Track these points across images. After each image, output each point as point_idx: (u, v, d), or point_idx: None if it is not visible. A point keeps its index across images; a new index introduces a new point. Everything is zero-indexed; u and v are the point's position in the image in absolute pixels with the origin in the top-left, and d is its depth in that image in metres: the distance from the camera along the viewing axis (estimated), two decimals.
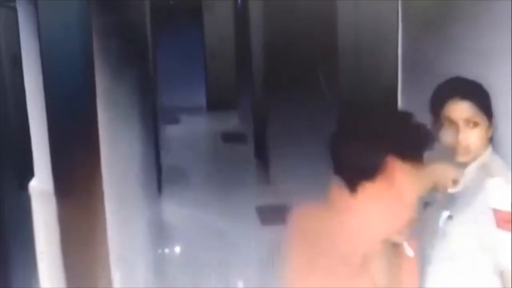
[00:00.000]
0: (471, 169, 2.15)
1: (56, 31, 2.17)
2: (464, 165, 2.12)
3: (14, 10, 2.05)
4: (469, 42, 2.49)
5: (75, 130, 2.12)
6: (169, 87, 9.58)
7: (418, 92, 3.02)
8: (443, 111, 2.14)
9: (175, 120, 10.06)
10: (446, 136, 2.12)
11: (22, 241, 1.88)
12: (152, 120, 6.39)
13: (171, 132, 9.15)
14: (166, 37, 10.18)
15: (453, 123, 2.10)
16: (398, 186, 1.90)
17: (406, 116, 2.03)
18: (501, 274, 2.24)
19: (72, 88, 2.20)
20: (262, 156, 7.69)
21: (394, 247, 2.07)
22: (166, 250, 5.55)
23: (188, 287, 4.76)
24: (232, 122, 9.76)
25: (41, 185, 2.05)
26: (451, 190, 2.12)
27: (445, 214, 2.16)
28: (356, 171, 1.93)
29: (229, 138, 9.19)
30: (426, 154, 1.97)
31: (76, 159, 2.11)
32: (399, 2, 3.17)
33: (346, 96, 4.24)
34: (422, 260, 2.20)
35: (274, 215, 5.71)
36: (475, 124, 2.10)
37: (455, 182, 2.09)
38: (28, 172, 1.94)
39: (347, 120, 2.12)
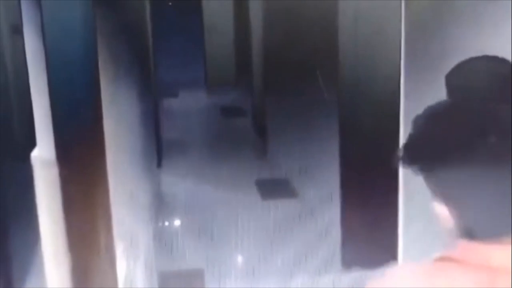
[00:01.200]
0: None
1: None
2: None
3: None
4: (471, 41, 2.48)
5: (77, 100, 2.11)
6: (167, 61, 9.56)
7: (420, 94, 3.02)
8: None
9: (174, 95, 10.05)
10: None
11: (24, 211, 1.89)
12: (152, 94, 6.39)
13: (170, 106, 9.15)
14: (164, 11, 10.12)
15: None
16: None
17: None
18: None
19: (75, 57, 2.19)
20: (260, 130, 7.71)
21: None
22: (166, 223, 5.57)
23: (188, 259, 4.79)
24: (230, 96, 9.76)
25: (43, 155, 2.05)
26: None
27: None
28: None
29: (228, 112, 9.20)
30: None
31: (78, 128, 2.11)
32: (402, 2, 3.15)
33: (346, 93, 4.24)
34: None
35: (273, 189, 5.74)
36: None
37: None
38: (30, 142, 1.94)
39: None
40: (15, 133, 1.76)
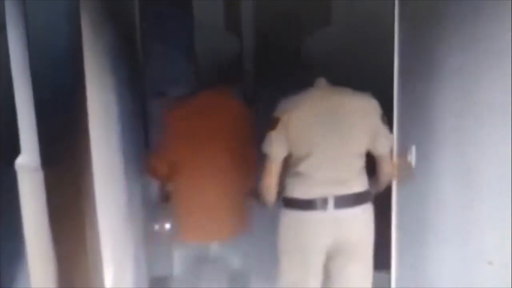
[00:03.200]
0: None
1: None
2: None
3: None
4: (469, 40, 2.46)
5: (62, 104, 2.04)
6: (157, 59, 9.47)
7: (414, 86, 3.00)
8: None
9: (163, 93, 9.97)
10: None
11: (8, 218, 1.82)
12: (140, 93, 6.32)
13: (159, 105, 9.06)
14: (155, 11, 10.03)
15: None
16: None
17: None
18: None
19: (59, 60, 2.12)
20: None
21: None
22: (156, 226, 5.50)
23: (178, 263, 4.73)
24: None
25: (28, 162, 1.98)
26: None
27: None
28: None
29: None
30: None
31: (64, 133, 2.04)
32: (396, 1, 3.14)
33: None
34: None
35: None
36: None
37: None
38: (14, 149, 1.87)
39: None
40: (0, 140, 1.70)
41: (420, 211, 2.98)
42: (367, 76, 3.94)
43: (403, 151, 3.11)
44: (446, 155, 2.67)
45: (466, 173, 2.51)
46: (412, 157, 3.01)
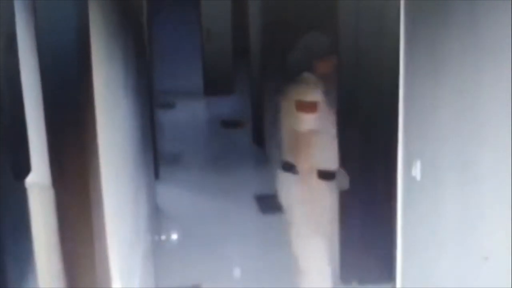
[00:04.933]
0: None
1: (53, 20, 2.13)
2: None
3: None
4: (470, 36, 2.48)
5: (72, 121, 2.08)
6: (165, 71, 9.53)
7: (419, 80, 3.01)
8: None
9: (171, 105, 10.02)
10: None
11: (19, 236, 1.85)
12: (149, 105, 6.36)
13: (168, 117, 9.12)
14: (162, 21, 10.10)
15: None
16: None
17: None
18: None
19: (69, 77, 2.16)
20: (260, 141, 7.66)
21: None
22: (163, 236, 5.53)
23: (186, 274, 4.75)
24: (229, 107, 9.72)
25: (38, 180, 2.02)
26: None
27: None
28: None
29: (226, 123, 9.16)
30: None
31: (73, 150, 2.07)
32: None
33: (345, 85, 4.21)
34: None
35: (274, 202, 5.66)
36: None
37: None
38: (25, 167, 1.91)
39: None
40: (11, 158, 1.73)
41: (420, 212, 2.99)
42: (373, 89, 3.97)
43: (407, 164, 3.14)
44: (447, 160, 2.68)
45: (464, 170, 2.51)
46: (416, 172, 3.03)
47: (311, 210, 3.81)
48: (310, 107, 3.59)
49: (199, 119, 9.78)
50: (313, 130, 3.62)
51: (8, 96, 1.88)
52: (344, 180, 3.93)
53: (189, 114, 9.90)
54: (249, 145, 6.98)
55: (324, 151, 3.74)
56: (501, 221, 2.23)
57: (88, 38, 2.34)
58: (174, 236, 5.50)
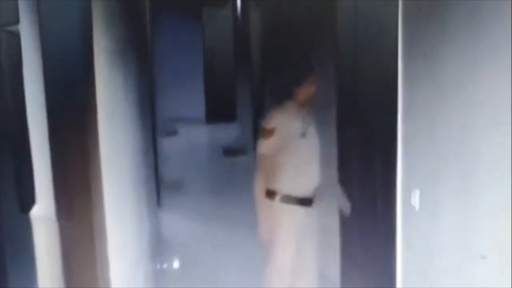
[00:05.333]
0: None
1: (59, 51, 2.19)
2: None
3: (17, 36, 2.05)
4: (469, 36, 2.50)
5: (76, 154, 2.12)
6: (168, 99, 9.60)
7: (418, 82, 3.03)
8: None
9: (173, 132, 10.07)
10: None
11: (23, 267, 1.88)
12: (151, 132, 6.41)
13: (170, 144, 9.17)
14: (165, 50, 10.20)
15: None
16: None
17: None
18: None
19: (73, 107, 2.21)
20: None
21: None
22: (165, 264, 5.54)
23: None
24: (231, 134, 9.76)
25: (43, 212, 2.05)
26: None
27: None
28: None
29: (229, 150, 9.20)
30: None
31: (78, 183, 2.12)
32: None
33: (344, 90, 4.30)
34: None
35: None
36: None
37: None
38: (30, 200, 1.95)
39: None
40: (16, 190, 1.77)
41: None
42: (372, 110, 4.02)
43: (406, 193, 3.16)
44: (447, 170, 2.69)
45: (462, 168, 2.52)
46: (415, 201, 3.05)
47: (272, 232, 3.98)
48: (267, 132, 3.89)
49: (201, 146, 9.82)
50: (267, 155, 3.89)
51: (14, 133, 1.93)
52: (344, 205, 4.07)
53: (191, 141, 9.94)
54: (252, 172, 6.97)
55: (286, 175, 3.90)
56: (499, 220, 2.22)
57: (93, 66, 2.39)
58: (176, 264, 5.51)
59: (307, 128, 3.94)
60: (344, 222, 4.34)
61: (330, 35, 4.50)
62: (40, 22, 2.17)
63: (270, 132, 3.87)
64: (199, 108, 11.18)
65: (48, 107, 2.16)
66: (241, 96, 10.33)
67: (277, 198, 3.92)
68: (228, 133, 9.89)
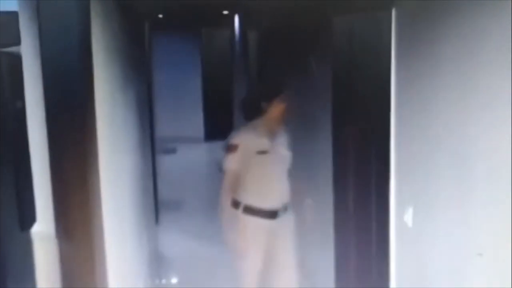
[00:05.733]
0: None
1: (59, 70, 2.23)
2: None
3: (19, 57, 2.10)
4: (462, 39, 2.52)
5: (76, 174, 2.17)
6: (166, 117, 9.65)
7: (411, 82, 3.07)
8: None
9: (172, 151, 10.11)
10: None
11: (24, 286, 1.91)
12: (150, 151, 6.45)
13: (169, 162, 9.20)
14: (164, 68, 10.27)
15: None
16: None
17: None
18: None
19: (72, 123, 2.25)
20: None
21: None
22: (163, 281, 5.56)
23: None
24: None
25: (43, 230, 2.09)
26: None
27: None
28: None
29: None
30: None
31: (78, 201, 2.16)
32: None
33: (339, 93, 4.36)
34: None
35: None
36: None
37: None
38: (30, 218, 1.98)
39: None
40: (17, 209, 1.81)
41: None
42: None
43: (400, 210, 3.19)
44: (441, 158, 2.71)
45: (459, 162, 2.54)
46: (408, 218, 3.08)
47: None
48: (230, 148, 4.12)
49: (199, 164, 9.85)
50: (231, 169, 4.12)
51: (14, 150, 1.97)
52: (309, 217, 4.32)
53: (190, 160, 9.97)
54: None
55: (248, 188, 4.11)
56: (495, 217, 2.24)
57: (92, 82, 2.43)
58: (174, 280, 5.53)
59: (271, 145, 4.12)
60: (339, 233, 4.39)
61: (327, 51, 4.56)
62: (40, 42, 2.22)
63: (233, 148, 4.10)
64: (197, 127, 11.23)
65: (48, 124, 2.20)
66: (239, 114, 10.37)
67: (240, 208, 4.12)
68: None
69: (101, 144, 2.55)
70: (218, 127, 10.89)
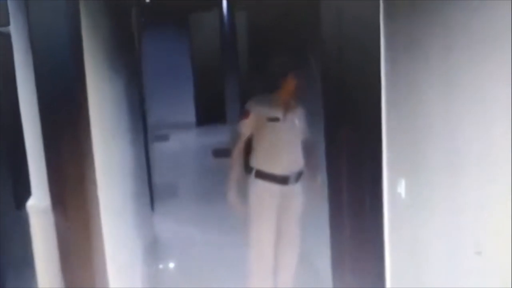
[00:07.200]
0: None
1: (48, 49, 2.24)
2: None
3: (8, 36, 2.11)
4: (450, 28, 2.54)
5: (70, 147, 2.18)
6: (158, 103, 9.64)
7: (400, 78, 3.09)
8: None
9: (165, 136, 10.11)
10: None
11: (21, 259, 1.93)
12: (142, 138, 6.46)
13: (162, 148, 9.20)
14: (154, 54, 10.24)
15: None
16: None
17: None
18: None
19: (66, 105, 2.26)
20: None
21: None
22: (160, 266, 5.58)
23: None
24: (221, 136, 9.81)
25: (38, 203, 2.11)
26: None
27: None
28: None
29: (219, 152, 9.24)
30: None
31: (72, 175, 2.17)
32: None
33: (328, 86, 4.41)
34: None
35: None
36: None
37: None
38: (25, 192, 2.00)
39: None
40: (11, 183, 1.82)
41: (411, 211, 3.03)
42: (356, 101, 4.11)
43: (391, 182, 3.21)
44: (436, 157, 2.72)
45: (454, 158, 2.56)
46: (401, 190, 3.10)
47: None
48: (244, 113, 4.39)
49: (192, 149, 9.86)
50: (245, 133, 4.36)
51: (7, 125, 1.97)
52: (319, 195, 4.48)
53: (182, 145, 9.98)
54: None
55: (260, 153, 4.34)
56: (494, 216, 2.25)
57: (83, 71, 2.45)
58: (171, 264, 5.56)
59: (284, 114, 4.33)
60: (334, 212, 4.42)
61: (315, 33, 4.59)
62: (29, 23, 2.22)
63: (246, 114, 4.37)
64: (189, 112, 11.22)
65: (40, 106, 2.21)
66: (230, 97, 10.40)
67: (252, 173, 4.33)
68: (218, 135, 9.94)
69: (93, 131, 2.55)
70: (210, 111, 10.89)
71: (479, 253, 2.36)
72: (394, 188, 3.24)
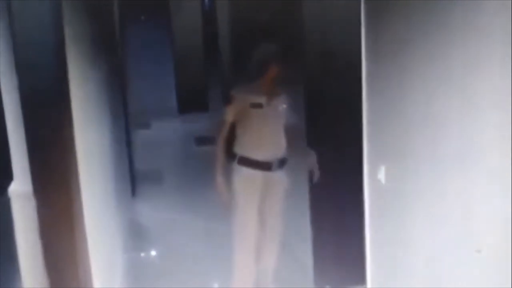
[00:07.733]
0: None
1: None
2: None
3: None
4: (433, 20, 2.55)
5: (52, 133, 2.18)
6: (139, 91, 9.60)
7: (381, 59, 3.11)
8: None
9: (146, 124, 10.08)
10: None
11: (2, 244, 1.92)
12: (124, 124, 6.44)
13: (143, 135, 9.18)
14: (135, 41, 10.19)
15: None
16: None
17: None
18: None
19: (47, 91, 2.26)
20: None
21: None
22: (142, 253, 5.59)
23: None
24: (203, 124, 9.80)
25: (20, 188, 2.10)
26: None
27: None
28: None
29: (201, 140, 9.23)
30: None
31: (53, 160, 2.17)
32: None
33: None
34: None
35: None
36: None
37: None
38: (6, 177, 1.99)
39: None
40: None
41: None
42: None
43: (373, 169, 3.24)
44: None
45: (436, 145, 2.58)
46: (382, 177, 3.14)
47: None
48: (228, 100, 4.44)
49: (174, 137, 9.85)
50: (228, 120, 4.38)
51: None
52: (315, 172, 4.43)
53: (164, 133, 9.96)
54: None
55: (243, 139, 4.36)
56: (493, 213, 2.24)
57: (65, 59, 2.44)
58: (153, 252, 5.57)
59: (268, 100, 4.34)
60: (314, 199, 4.46)
61: (297, 20, 4.61)
62: (10, 18, 2.21)
63: (229, 100, 4.41)
64: (171, 100, 11.19)
65: (22, 92, 2.20)
66: (212, 85, 10.39)
67: (236, 160, 4.35)
68: (200, 123, 9.92)
69: (75, 112, 2.54)
70: (192, 99, 10.87)
71: (478, 251, 2.37)
72: (374, 175, 3.27)
